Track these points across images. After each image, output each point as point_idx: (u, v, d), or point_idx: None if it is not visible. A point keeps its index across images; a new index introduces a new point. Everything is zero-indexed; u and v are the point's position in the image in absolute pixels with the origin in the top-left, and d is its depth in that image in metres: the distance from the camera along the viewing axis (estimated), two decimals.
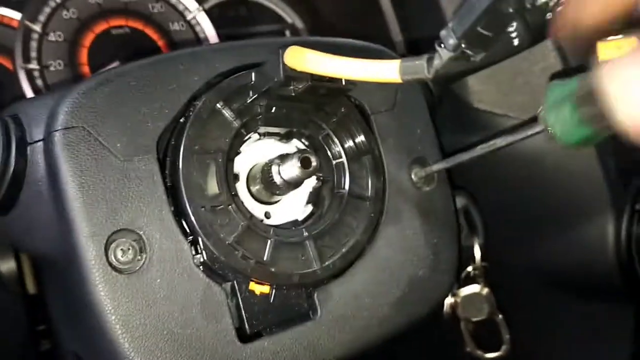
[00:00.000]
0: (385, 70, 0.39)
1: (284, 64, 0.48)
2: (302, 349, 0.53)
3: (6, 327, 0.67)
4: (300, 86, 0.50)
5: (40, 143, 0.48)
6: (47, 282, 0.62)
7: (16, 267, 0.66)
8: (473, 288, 0.80)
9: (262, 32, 0.90)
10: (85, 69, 0.83)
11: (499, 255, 0.83)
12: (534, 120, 0.44)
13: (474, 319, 0.81)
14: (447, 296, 0.71)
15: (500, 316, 0.81)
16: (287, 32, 0.92)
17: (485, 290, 0.79)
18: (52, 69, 0.82)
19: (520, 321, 0.84)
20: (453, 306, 0.81)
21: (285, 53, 0.49)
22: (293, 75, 0.49)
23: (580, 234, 0.77)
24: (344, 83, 0.51)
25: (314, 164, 0.51)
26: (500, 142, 0.52)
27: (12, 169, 0.49)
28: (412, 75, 0.39)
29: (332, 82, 0.51)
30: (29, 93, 0.80)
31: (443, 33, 0.39)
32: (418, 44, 0.90)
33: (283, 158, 0.53)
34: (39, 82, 0.80)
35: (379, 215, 0.58)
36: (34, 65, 0.80)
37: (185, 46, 0.83)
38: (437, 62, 0.38)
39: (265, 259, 0.52)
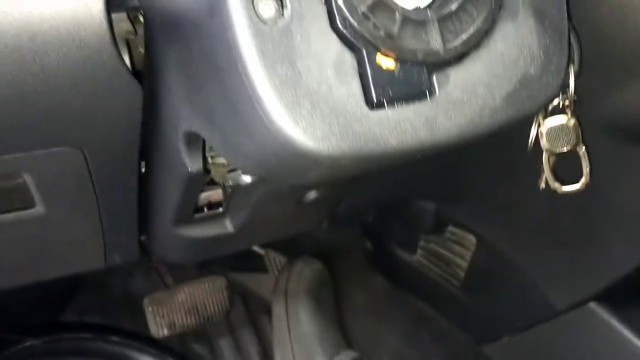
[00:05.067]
0: None
1: None
2: (421, 124, 0.55)
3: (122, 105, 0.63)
4: None
5: None
6: (168, 53, 0.60)
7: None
8: (560, 119, 0.80)
9: None
10: None
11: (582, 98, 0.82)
12: None
13: (557, 151, 0.82)
14: (555, 97, 0.72)
15: (583, 148, 0.82)
16: None
17: (572, 122, 0.80)
18: None
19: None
20: (536, 137, 0.81)
21: None
22: None
23: None
24: None
25: None
26: None
27: None
28: None
29: None
30: None
31: None
32: None
33: None
34: None
35: (498, 9, 0.59)
36: None
37: None
38: None
39: (393, 32, 0.53)
